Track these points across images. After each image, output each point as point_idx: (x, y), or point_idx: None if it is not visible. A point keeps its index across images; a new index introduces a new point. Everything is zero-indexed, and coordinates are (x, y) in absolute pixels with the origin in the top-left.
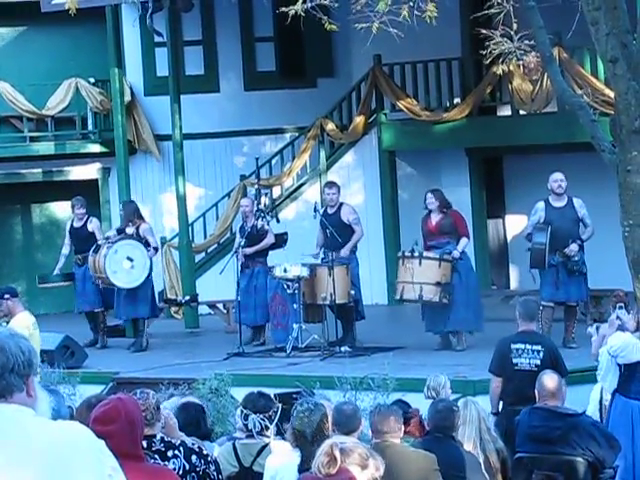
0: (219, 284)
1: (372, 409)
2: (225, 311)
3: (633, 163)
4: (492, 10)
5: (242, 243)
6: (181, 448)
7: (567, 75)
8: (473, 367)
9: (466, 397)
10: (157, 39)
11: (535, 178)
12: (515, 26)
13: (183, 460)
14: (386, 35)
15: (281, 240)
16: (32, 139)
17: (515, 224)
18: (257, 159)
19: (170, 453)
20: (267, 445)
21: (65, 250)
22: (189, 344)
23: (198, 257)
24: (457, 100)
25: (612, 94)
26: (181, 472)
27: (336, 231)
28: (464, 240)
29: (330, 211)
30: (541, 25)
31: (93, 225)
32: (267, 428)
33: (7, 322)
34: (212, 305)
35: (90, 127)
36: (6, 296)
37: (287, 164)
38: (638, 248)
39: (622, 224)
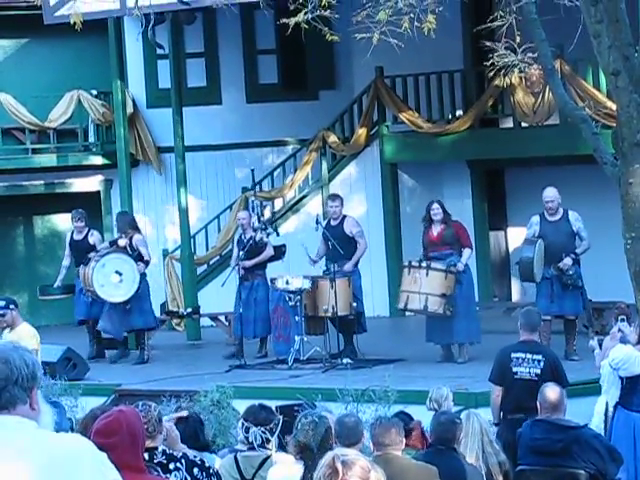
0: (221, 296)
1: (373, 421)
2: (227, 323)
3: (635, 176)
4: (495, 23)
5: (241, 256)
6: (183, 460)
7: (569, 88)
8: (475, 379)
9: (468, 409)
10: (159, 51)
11: (537, 190)
12: (518, 39)
13: (185, 473)
14: (388, 47)
15: (279, 252)
16: (34, 151)
17: (517, 236)
18: (252, 170)
19: (172, 465)
20: (269, 457)
21: (66, 262)
22: (191, 356)
23: (200, 269)
24: (459, 112)
25: (614, 107)
26: None
27: (338, 243)
28: (467, 251)
29: (333, 223)
30: (543, 38)
31: (94, 238)
32: (268, 441)
33: (9, 331)
34: (214, 317)
35: (92, 139)
36: (11, 306)
37: (289, 176)
38: None
39: (624, 236)
